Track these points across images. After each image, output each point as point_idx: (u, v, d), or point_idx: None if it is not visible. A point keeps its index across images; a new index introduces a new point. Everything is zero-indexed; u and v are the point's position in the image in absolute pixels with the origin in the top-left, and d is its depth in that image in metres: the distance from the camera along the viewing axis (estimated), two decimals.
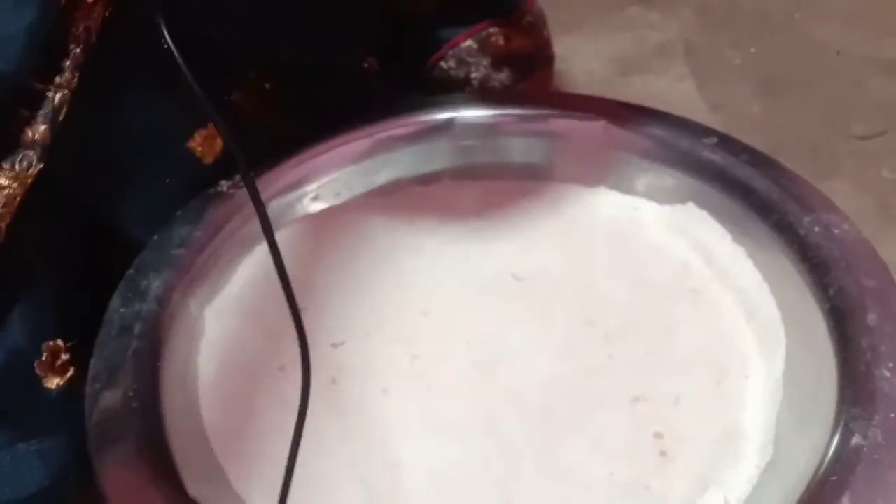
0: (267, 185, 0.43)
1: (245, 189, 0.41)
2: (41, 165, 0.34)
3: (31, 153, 0.34)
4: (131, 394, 0.33)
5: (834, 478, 0.29)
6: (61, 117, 0.34)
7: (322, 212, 0.45)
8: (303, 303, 0.39)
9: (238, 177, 0.42)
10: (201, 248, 0.40)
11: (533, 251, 0.43)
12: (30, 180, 0.34)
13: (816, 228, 0.38)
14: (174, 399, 0.34)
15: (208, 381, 0.36)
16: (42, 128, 0.34)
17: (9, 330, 0.34)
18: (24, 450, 0.35)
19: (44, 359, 0.36)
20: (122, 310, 0.36)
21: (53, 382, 0.36)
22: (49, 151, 0.34)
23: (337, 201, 0.46)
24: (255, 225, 0.42)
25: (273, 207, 0.43)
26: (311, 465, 0.34)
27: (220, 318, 0.39)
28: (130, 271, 0.38)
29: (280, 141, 0.45)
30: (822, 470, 0.30)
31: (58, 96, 0.34)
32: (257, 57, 0.45)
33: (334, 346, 0.38)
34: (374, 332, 0.39)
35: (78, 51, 0.35)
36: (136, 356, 0.34)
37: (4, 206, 0.33)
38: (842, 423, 0.31)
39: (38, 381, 0.36)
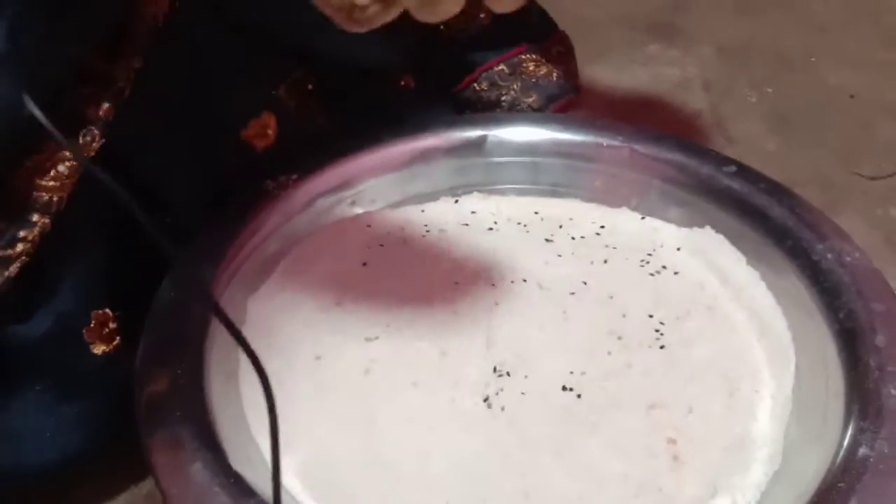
0: (311, 187, 0.46)
1: (289, 190, 0.44)
2: (103, 141, 0.36)
3: (94, 129, 0.35)
4: (179, 372, 0.35)
5: (841, 485, 0.31)
6: (125, 96, 0.36)
7: (360, 215, 0.47)
8: (339, 298, 0.42)
9: (283, 178, 0.45)
10: (246, 243, 0.42)
11: (556, 263, 0.45)
12: (92, 153, 0.35)
13: (829, 255, 0.40)
14: (217, 380, 0.36)
15: (248, 365, 0.38)
16: (106, 105, 0.36)
17: (61, 296, 0.36)
18: (66, 411, 0.37)
19: (92, 325, 0.37)
20: (172, 293, 0.38)
21: (100, 349, 0.38)
22: (111, 128, 0.36)
23: (373, 207, 0.48)
24: (296, 224, 0.45)
25: (317, 206, 0.46)
26: (338, 448, 0.36)
27: (261, 307, 0.41)
28: (182, 257, 0.40)
29: (313, 141, 0.48)
30: (830, 477, 0.32)
31: (122, 76, 0.36)
32: (305, 55, 0.47)
33: (368, 340, 0.40)
34: (405, 328, 0.41)
35: (143, 34, 0.37)
36: (185, 338, 0.36)
37: (68, 177, 0.35)
38: (850, 435, 0.33)
39: (85, 347, 0.37)
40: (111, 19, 0.36)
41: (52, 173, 0.35)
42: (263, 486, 0.32)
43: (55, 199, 0.35)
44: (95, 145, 0.35)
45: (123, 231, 0.39)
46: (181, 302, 0.38)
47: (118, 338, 0.38)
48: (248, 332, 0.39)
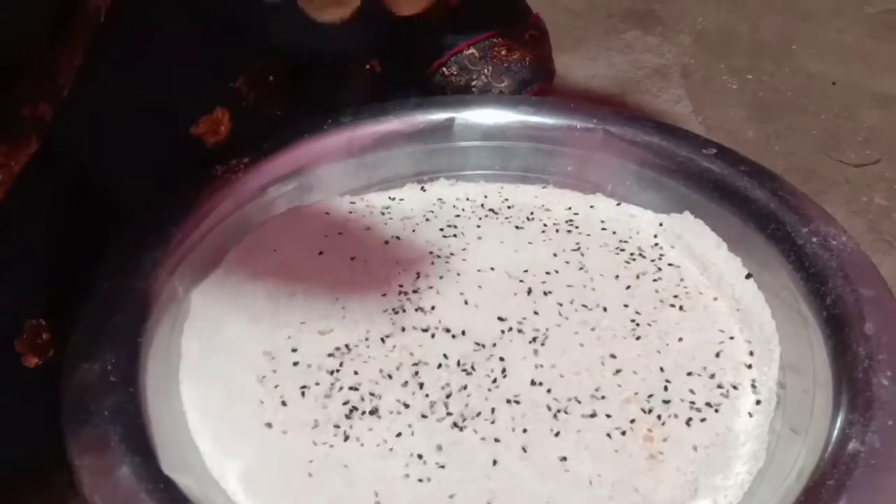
0: (264, 172, 0.42)
1: (240, 174, 0.41)
2: (39, 143, 0.33)
3: (30, 130, 0.33)
4: (109, 367, 0.32)
5: (831, 481, 0.28)
6: (64, 94, 0.33)
7: (317, 202, 0.45)
8: (292, 289, 0.39)
9: (234, 161, 0.42)
10: (192, 230, 0.39)
11: (526, 250, 0.42)
12: (25, 158, 0.33)
13: (814, 239, 0.38)
14: (154, 376, 0.33)
15: (190, 361, 0.35)
16: (44, 105, 0.33)
17: None
18: (2, 424, 0.34)
19: (24, 337, 0.35)
20: (107, 283, 0.35)
21: (32, 361, 0.35)
22: (49, 128, 0.33)
23: (332, 193, 0.45)
24: (247, 211, 0.42)
25: (270, 193, 0.43)
26: (286, 453, 0.33)
27: (205, 300, 0.38)
28: (119, 245, 0.37)
29: (275, 130, 0.45)
30: (818, 474, 0.29)
31: (62, 74, 0.33)
32: (266, 46, 0.45)
33: (322, 333, 0.37)
34: (362, 321, 0.38)
35: (85, 28, 0.34)
36: (118, 330, 0.33)
37: (0, 182, 0.32)
38: (838, 429, 0.30)
39: (17, 358, 0.35)
40: (49, 10, 0.33)
41: None
42: (200, 494, 0.29)
43: None
44: (30, 150, 0.33)
45: (62, 236, 0.36)
46: (115, 292, 0.35)
47: (52, 349, 0.35)
48: (189, 327, 0.37)
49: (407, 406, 0.34)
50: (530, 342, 0.37)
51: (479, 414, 0.34)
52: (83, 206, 0.37)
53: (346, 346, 0.36)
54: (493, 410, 0.34)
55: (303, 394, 0.35)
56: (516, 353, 0.37)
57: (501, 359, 0.36)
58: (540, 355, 0.37)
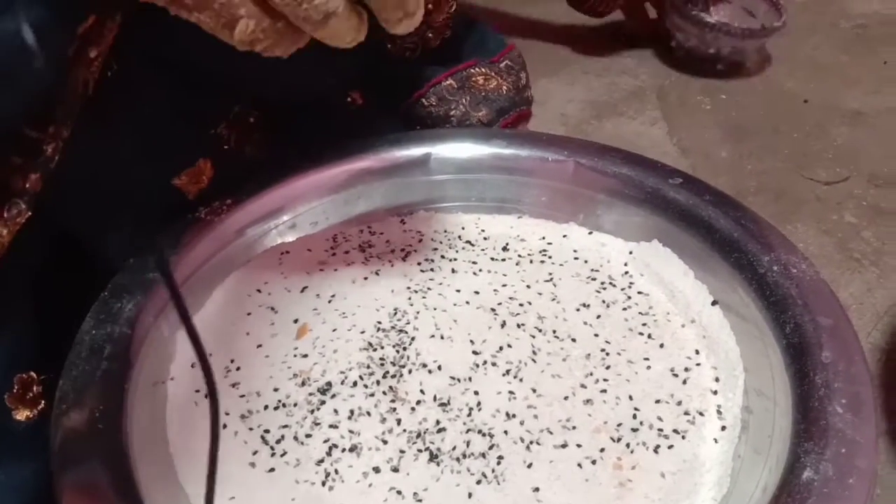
0: (244, 213, 0.44)
1: (222, 217, 0.43)
2: (30, 213, 0.33)
3: (20, 202, 0.33)
4: (97, 415, 0.33)
5: None
6: (53, 165, 0.34)
7: (300, 238, 0.46)
8: (275, 328, 0.40)
9: (217, 204, 0.43)
10: (177, 273, 0.40)
11: (500, 282, 0.44)
12: (17, 228, 0.33)
13: (775, 268, 0.39)
14: (140, 421, 0.34)
15: (176, 404, 0.37)
16: (34, 176, 0.33)
17: None
18: None
19: (14, 391, 0.36)
20: (93, 331, 0.36)
21: (23, 415, 0.36)
22: (39, 199, 0.33)
23: (313, 230, 0.47)
24: (231, 251, 0.44)
25: (253, 232, 0.44)
26: (286, 487, 0.34)
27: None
28: (104, 293, 0.38)
29: (259, 169, 0.46)
30: (776, 502, 0.30)
31: (51, 146, 0.34)
32: (243, 92, 0.46)
33: (301, 372, 0.38)
34: (342, 359, 0.39)
35: (73, 101, 0.35)
36: (105, 377, 0.35)
37: None
38: (795, 458, 0.32)
39: (7, 413, 0.35)
40: (41, 86, 0.34)
41: None
42: None
43: None
44: (21, 220, 0.33)
45: (51, 291, 0.37)
46: (103, 338, 0.36)
47: (43, 402, 0.36)
48: (175, 369, 0.38)
49: (385, 442, 0.36)
50: (503, 374, 0.39)
51: (454, 448, 0.35)
52: (70, 262, 0.38)
53: (328, 384, 0.38)
54: (468, 444, 0.36)
55: (283, 435, 0.36)
56: (490, 386, 0.38)
57: (476, 392, 0.38)
58: (513, 387, 0.38)
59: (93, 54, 0.34)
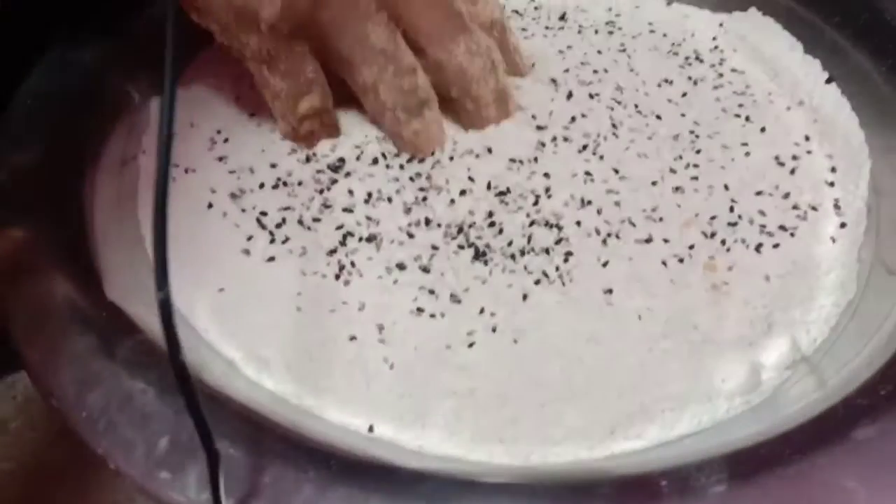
0: None
1: None
2: None
3: None
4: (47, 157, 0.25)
5: None
6: None
7: None
8: None
9: None
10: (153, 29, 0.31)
11: (564, 52, 0.35)
12: None
13: None
14: (106, 190, 0.27)
15: (149, 177, 0.29)
16: None
17: None
18: None
19: None
20: (44, 80, 0.28)
21: None
22: None
23: None
24: None
25: None
26: (288, 278, 0.27)
27: None
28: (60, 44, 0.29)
29: None
30: None
31: None
32: None
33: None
34: (356, 133, 0.31)
35: None
36: (57, 127, 0.27)
37: None
38: None
39: None
40: None
41: None
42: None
43: None
44: None
45: None
46: (55, 88, 0.28)
47: None
48: (153, 140, 0.30)
49: (411, 236, 0.28)
50: (579, 151, 0.30)
51: (510, 243, 0.28)
52: None
53: (341, 160, 0.30)
54: (528, 238, 0.28)
55: (284, 218, 0.28)
56: (563, 166, 0.30)
57: (546, 175, 0.29)
58: (591, 166, 0.30)
59: None
